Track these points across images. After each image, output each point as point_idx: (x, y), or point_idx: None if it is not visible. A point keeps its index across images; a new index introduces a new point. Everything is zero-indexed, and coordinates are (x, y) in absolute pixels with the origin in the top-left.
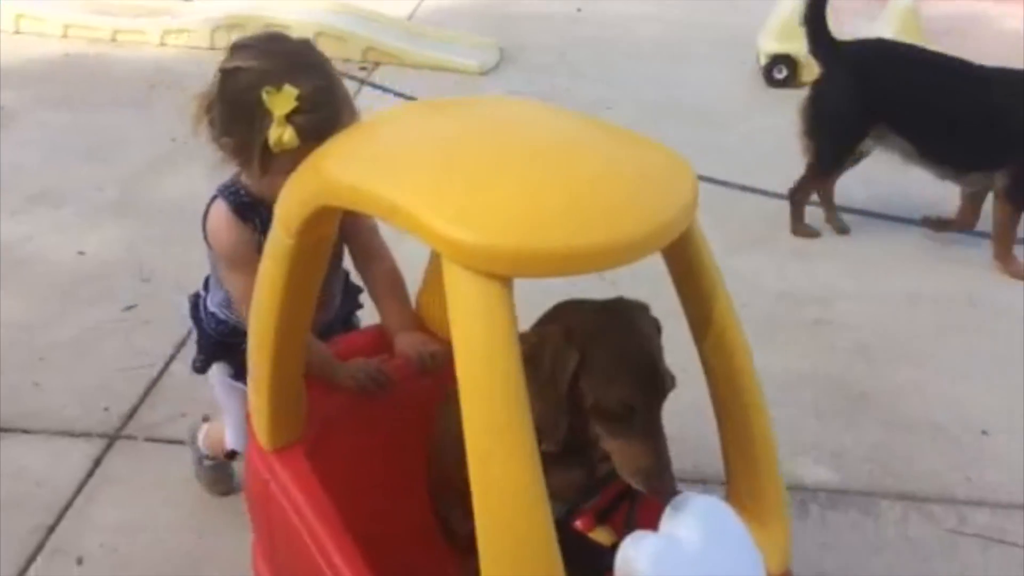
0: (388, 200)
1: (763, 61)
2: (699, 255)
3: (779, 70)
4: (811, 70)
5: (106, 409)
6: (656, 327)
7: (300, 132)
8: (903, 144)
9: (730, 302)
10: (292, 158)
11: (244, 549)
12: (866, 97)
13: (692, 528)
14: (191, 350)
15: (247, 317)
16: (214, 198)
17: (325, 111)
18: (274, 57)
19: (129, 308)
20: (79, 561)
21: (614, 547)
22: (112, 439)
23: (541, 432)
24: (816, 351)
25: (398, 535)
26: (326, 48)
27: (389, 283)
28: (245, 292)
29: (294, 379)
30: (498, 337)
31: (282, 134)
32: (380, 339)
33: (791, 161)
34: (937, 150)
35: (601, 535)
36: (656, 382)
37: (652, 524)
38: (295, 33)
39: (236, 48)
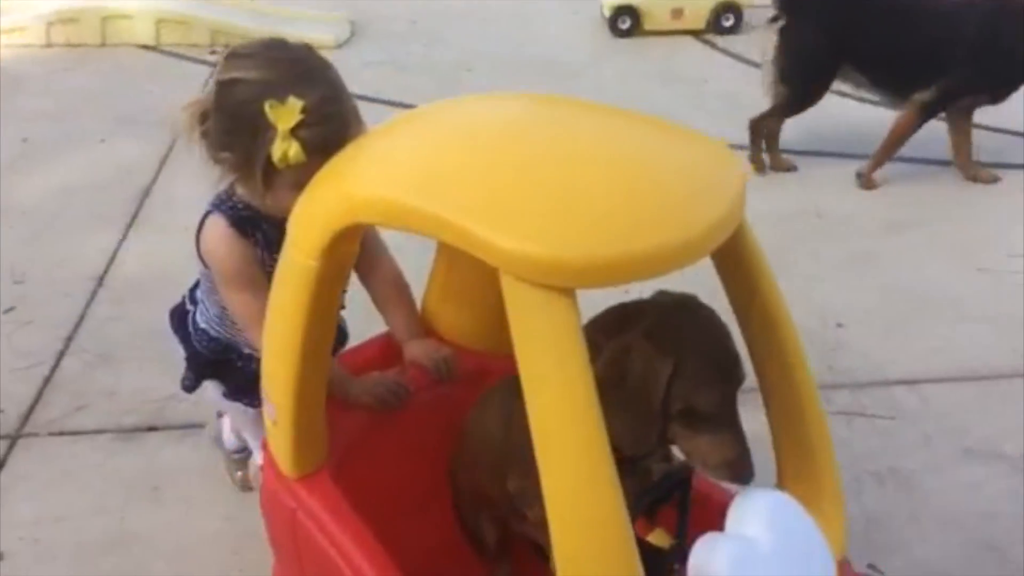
0: (435, 216)
1: (607, 13)
2: (748, 244)
3: (623, 20)
4: (652, 19)
5: (2, 411)
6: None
7: (306, 146)
8: (858, 77)
9: (779, 291)
10: (298, 173)
11: (167, 526)
12: (832, 38)
13: (763, 526)
14: (81, 343)
15: (253, 336)
16: (208, 213)
17: (333, 124)
18: (275, 66)
19: (8, 311)
20: (0, 557)
21: (671, 549)
22: (14, 439)
23: (623, 441)
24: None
25: (430, 548)
26: (170, 35)
27: (395, 289)
28: (249, 311)
29: (318, 405)
30: (569, 352)
31: (287, 149)
32: (389, 348)
33: (640, 105)
34: (887, 79)
35: (658, 538)
36: (738, 374)
37: (703, 524)
38: (137, 23)
39: (232, 57)
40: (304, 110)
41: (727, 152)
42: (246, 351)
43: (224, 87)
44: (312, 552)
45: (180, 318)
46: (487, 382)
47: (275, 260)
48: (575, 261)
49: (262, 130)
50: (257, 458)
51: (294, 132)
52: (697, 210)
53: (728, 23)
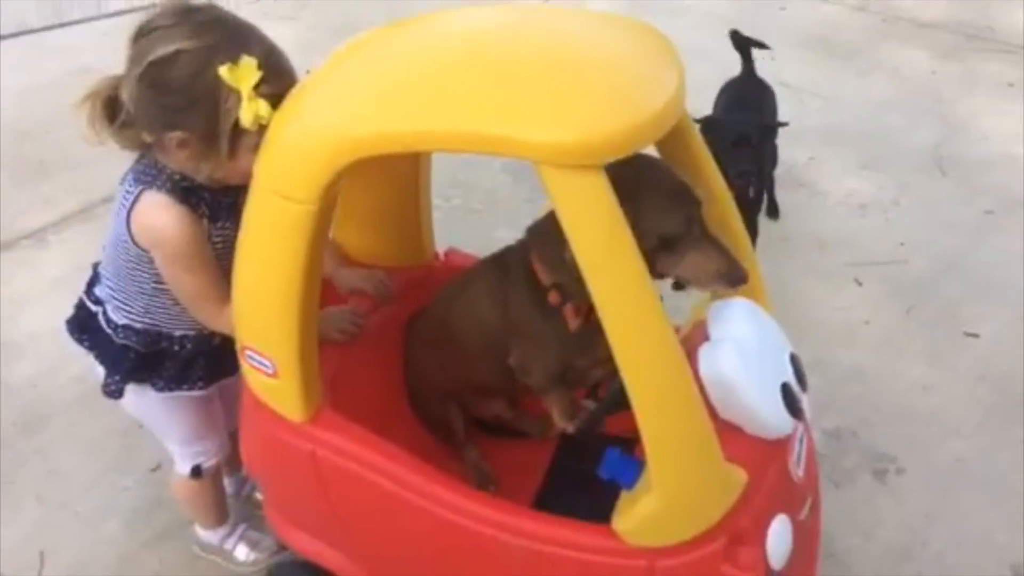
0: (463, 131)
1: None
2: (690, 129)
3: None
4: None
5: None
6: None
7: (271, 103)
8: None
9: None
10: (261, 133)
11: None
12: None
13: (745, 327)
14: None
15: (206, 314)
16: (141, 190)
17: (285, 74)
18: (207, 31)
19: None
20: None
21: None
22: None
23: None
24: None
25: (411, 450)
26: None
27: None
28: (199, 289)
29: (314, 348)
30: (616, 221)
31: (257, 109)
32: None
33: None
34: None
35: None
36: (692, 196)
37: None
38: None
39: (151, 31)
40: (259, 66)
41: (661, 36)
42: (178, 333)
43: (162, 64)
44: (341, 482)
45: (84, 324)
46: (418, 293)
47: (220, 230)
48: (601, 139)
49: (223, 97)
50: (182, 468)
51: (256, 91)
52: (666, 82)
53: None
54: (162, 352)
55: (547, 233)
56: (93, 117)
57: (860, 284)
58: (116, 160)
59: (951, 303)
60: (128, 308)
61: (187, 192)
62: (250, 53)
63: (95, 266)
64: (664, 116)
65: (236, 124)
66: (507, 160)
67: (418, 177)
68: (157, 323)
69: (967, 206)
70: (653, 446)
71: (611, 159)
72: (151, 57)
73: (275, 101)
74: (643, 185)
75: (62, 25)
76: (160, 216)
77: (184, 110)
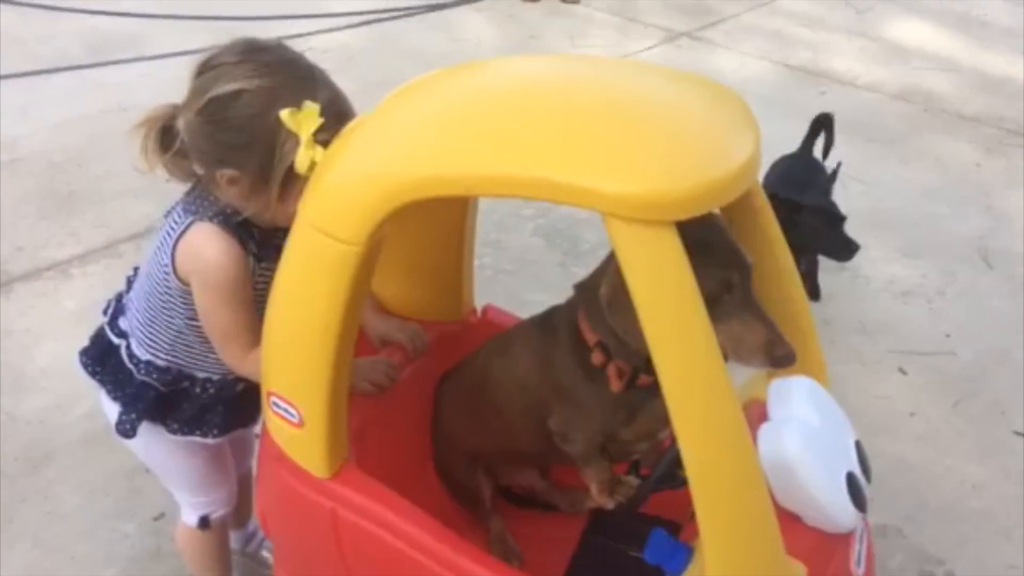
0: (530, 177)
1: None
2: (759, 195)
3: None
4: None
5: None
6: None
7: (327, 148)
8: None
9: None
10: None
11: None
12: None
13: (807, 406)
14: None
15: (231, 353)
16: (192, 221)
17: (345, 120)
18: (273, 72)
19: None
20: None
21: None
22: None
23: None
24: None
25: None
26: None
27: None
28: (234, 326)
29: (344, 396)
30: (687, 284)
31: (314, 155)
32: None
33: None
34: None
35: None
36: (740, 259)
37: None
38: None
39: (216, 67)
40: (321, 112)
41: (737, 96)
42: (201, 375)
43: (223, 101)
44: (361, 545)
45: (102, 357)
46: (452, 349)
47: (264, 271)
48: (678, 194)
49: (280, 141)
50: (189, 518)
51: (315, 137)
52: (743, 141)
53: None
54: (182, 393)
55: (595, 289)
56: (147, 143)
57: (904, 373)
58: (146, 198)
59: (1000, 399)
60: (154, 343)
61: (238, 227)
62: (314, 98)
63: (119, 297)
64: (742, 175)
65: (290, 168)
66: (540, 222)
67: (463, 229)
68: (181, 362)
69: (1013, 300)
70: (711, 532)
71: (685, 217)
72: (212, 93)
73: None
74: (686, 237)
75: (105, 64)
76: (208, 243)
77: (240, 149)
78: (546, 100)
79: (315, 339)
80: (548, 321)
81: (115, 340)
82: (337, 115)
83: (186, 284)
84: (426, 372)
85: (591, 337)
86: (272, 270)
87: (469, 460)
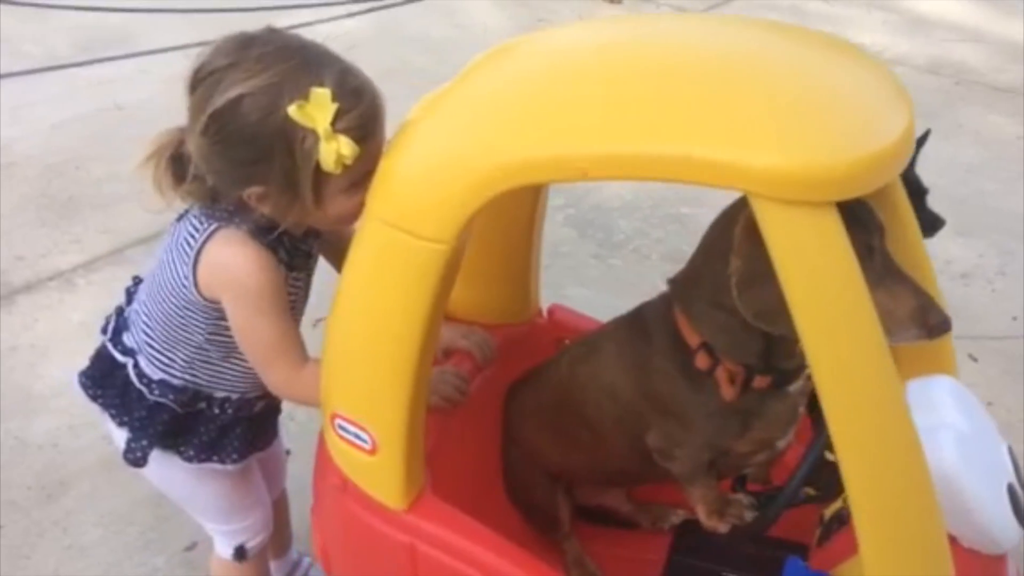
0: (663, 155)
1: None
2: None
3: None
4: None
5: None
6: None
7: (353, 136)
8: None
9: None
10: (351, 171)
11: None
12: None
13: (954, 410)
14: None
15: (275, 372)
16: (216, 227)
17: (365, 97)
18: (270, 63)
19: None
20: None
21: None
22: None
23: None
24: None
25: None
26: None
27: None
28: (281, 338)
29: (423, 415)
30: (853, 274)
31: (338, 148)
32: None
33: None
34: None
35: None
36: (875, 221)
37: None
38: None
39: (209, 75)
40: (334, 96)
41: (879, 62)
42: (219, 395)
43: (224, 114)
44: None
45: (105, 378)
46: (519, 355)
47: (295, 281)
48: (842, 170)
49: (297, 140)
50: (223, 550)
51: (334, 127)
52: (899, 110)
53: None
54: (199, 415)
55: (694, 282)
56: (159, 179)
57: (975, 360)
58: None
59: None
60: (167, 361)
61: (266, 233)
62: (321, 82)
63: (119, 311)
64: (904, 147)
65: (318, 167)
66: (570, 212)
67: (533, 220)
68: (199, 381)
69: None
70: (877, 558)
71: (849, 196)
72: (211, 108)
73: (359, 134)
74: None
75: (94, 61)
76: (239, 254)
77: (257, 163)
78: (665, 65)
79: (393, 352)
80: (638, 322)
81: (120, 358)
82: (354, 92)
83: (210, 299)
84: (494, 382)
85: (693, 338)
86: (302, 280)
87: (549, 480)
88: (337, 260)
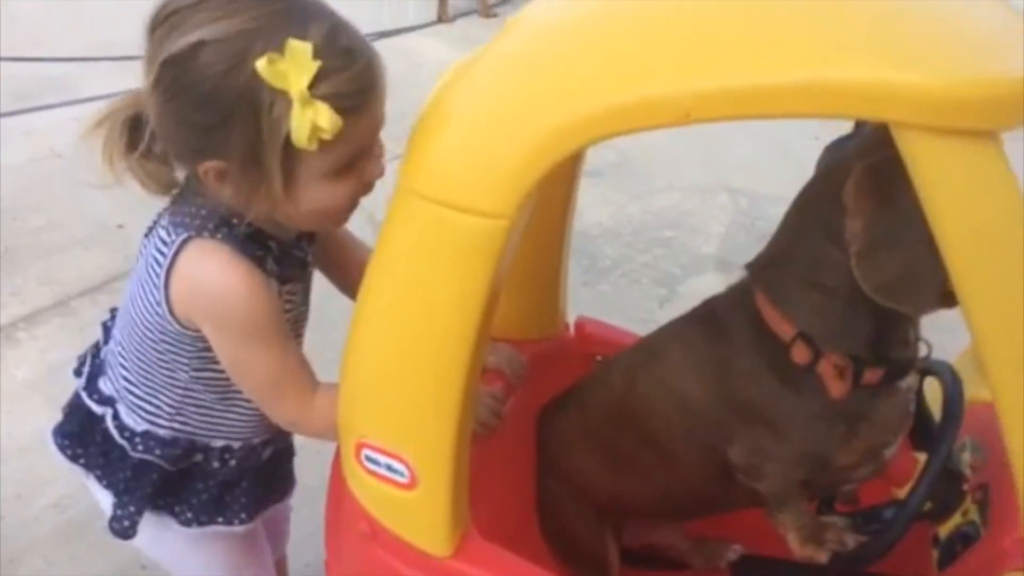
0: (778, 84)
1: None
2: None
3: None
4: None
5: None
6: None
7: (337, 105)
8: None
9: None
10: (334, 150)
11: None
12: None
13: None
14: None
15: (295, 407)
16: (187, 238)
17: (360, 59)
18: (245, 5)
19: None
20: None
21: None
22: None
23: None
24: None
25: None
26: None
27: None
28: (286, 367)
29: (469, 440)
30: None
31: (315, 118)
32: None
33: None
34: None
35: None
36: None
37: None
38: None
39: (170, 16)
40: (316, 53)
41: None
42: (218, 444)
43: (179, 62)
44: None
45: (84, 433)
46: (549, 374)
47: (289, 295)
48: (1007, 91)
49: (264, 104)
50: None
51: (313, 91)
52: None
53: None
54: (195, 470)
55: (782, 262)
56: (110, 144)
57: None
58: (97, 248)
59: None
60: (151, 408)
61: (249, 241)
62: (304, 35)
63: (95, 351)
64: None
65: (289, 142)
66: None
67: (563, 223)
68: (191, 429)
69: None
70: None
71: (1017, 125)
72: (164, 54)
73: (345, 104)
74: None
75: (29, 110)
76: (217, 271)
77: (215, 128)
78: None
79: (441, 356)
80: (709, 317)
81: (97, 409)
82: (345, 51)
83: (190, 328)
84: (525, 403)
85: (785, 328)
86: (298, 293)
87: (596, 516)
88: (335, 271)
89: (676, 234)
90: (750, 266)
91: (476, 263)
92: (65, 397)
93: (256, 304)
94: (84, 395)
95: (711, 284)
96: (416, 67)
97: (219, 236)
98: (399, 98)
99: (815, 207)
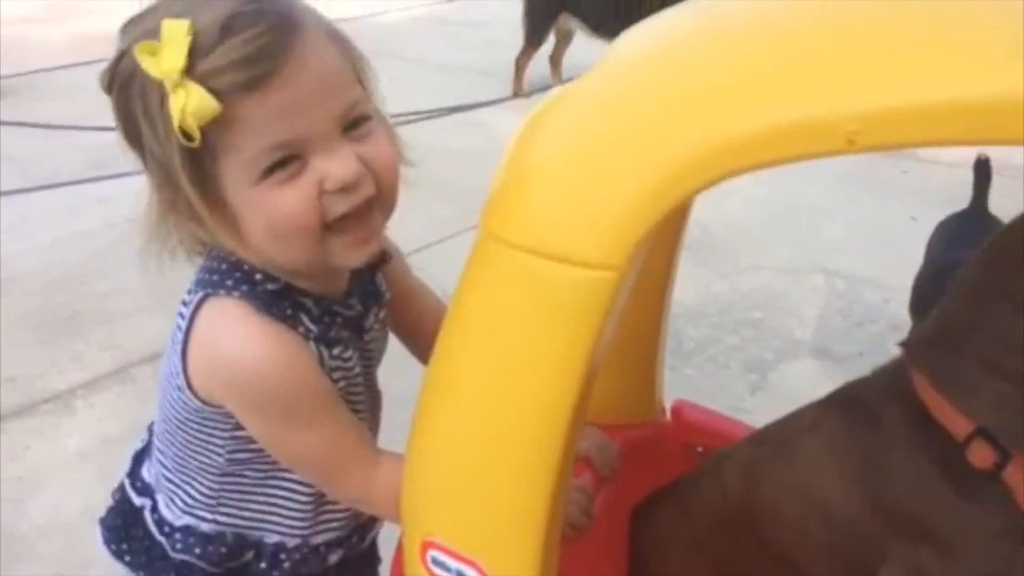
0: (982, 98)
1: None
2: None
3: None
4: None
5: None
6: None
7: (220, 83)
8: (581, 24)
9: None
10: (242, 145)
11: None
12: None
13: None
14: None
15: (359, 485)
16: (202, 299)
17: (253, 26)
18: (157, 10)
19: None
20: None
21: None
22: None
23: None
24: None
25: None
26: None
27: None
28: (345, 443)
29: (557, 546)
30: None
31: (186, 100)
32: None
33: None
34: (602, 28)
35: None
36: None
37: None
38: None
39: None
40: (192, 29)
41: None
42: (272, 538)
43: (108, 80)
44: None
45: (127, 526)
46: (644, 466)
47: (338, 360)
48: None
49: (152, 102)
50: None
51: (190, 73)
52: None
53: None
54: (245, 570)
55: (955, 340)
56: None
57: None
58: (162, 313)
59: None
60: (190, 497)
61: (275, 298)
62: (191, 17)
63: (150, 430)
64: None
65: (189, 153)
66: None
67: (663, 289)
68: (236, 522)
69: None
70: None
71: None
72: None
73: (231, 80)
74: None
75: (105, 178)
76: (238, 336)
77: (132, 145)
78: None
79: (530, 441)
80: (856, 404)
81: (136, 500)
82: (233, 20)
83: (212, 403)
84: (616, 499)
85: (959, 423)
86: (350, 359)
87: None
88: (402, 330)
89: (766, 316)
90: (909, 345)
91: (577, 325)
92: (118, 470)
93: (287, 375)
94: (127, 482)
95: (806, 372)
96: (491, 140)
97: (237, 293)
98: (474, 171)
99: (1000, 272)
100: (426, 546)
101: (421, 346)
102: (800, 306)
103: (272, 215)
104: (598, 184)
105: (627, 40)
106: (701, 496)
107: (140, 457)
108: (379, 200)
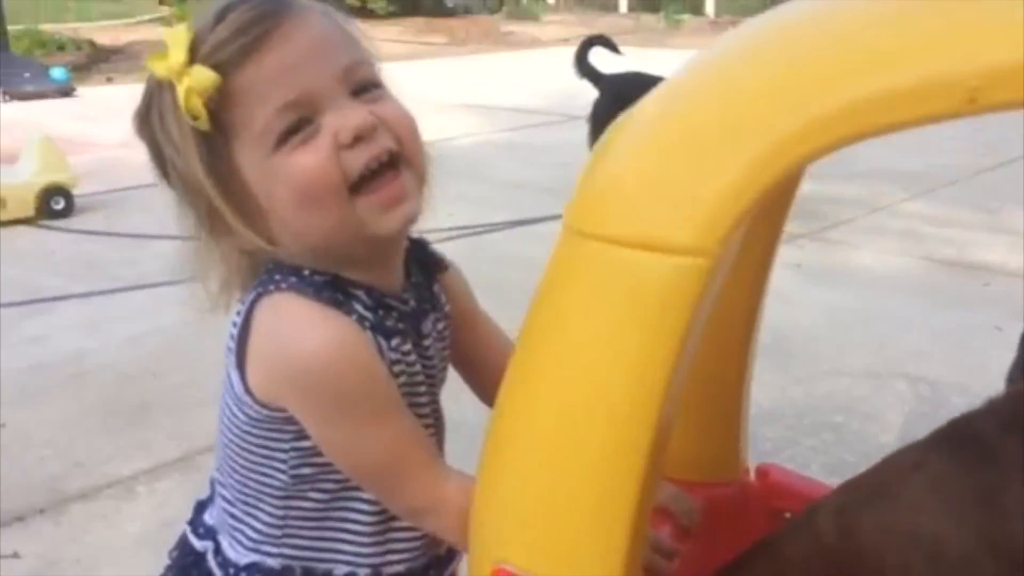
0: None
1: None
2: None
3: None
4: None
5: None
6: None
7: (218, 59)
8: None
9: None
10: (251, 116)
11: None
12: (623, 106)
13: None
14: None
15: (426, 493)
16: (255, 298)
17: (242, 5)
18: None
19: None
20: None
21: None
22: None
23: None
24: None
25: None
26: None
27: None
28: (411, 444)
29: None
30: None
31: (190, 83)
32: None
33: None
34: None
35: None
36: None
37: None
38: None
39: None
40: (193, 29)
41: None
42: (342, 569)
43: (137, 118)
44: None
45: (186, 565)
46: (727, 527)
47: (398, 351)
48: None
49: (167, 115)
50: None
51: (192, 60)
52: None
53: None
54: None
55: None
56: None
57: None
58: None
59: None
60: (254, 531)
61: (326, 287)
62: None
63: (211, 484)
64: None
65: (196, 131)
66: None
67: (751, 324)
68: (303, 553)
69: None
70: None
71: None
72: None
73: (226, 54)
74: None
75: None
76: (293, 324)
77: (161, 169)
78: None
79: (618, 446)
80: (967, 439)
81: (198, 545)
82: (225, 7)
83: (273, 405)
84: (697, 559)
85: None
86: (413, 355)
87: None
88: (465, 366)
89: (846, 420)
90: (1016, 378)
91: (665, 315)
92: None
93: (346, 358)
94: (189, 530)
95: None
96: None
97: (285, 285)
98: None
99: None
100: (497, 574)
101: (482, 378)
102: (883, 411)
103: (293, 179)
104: (689, 161)
105: (716, 41)
106: (792, 547)
107: (203, 506)
108: (403, 159)
